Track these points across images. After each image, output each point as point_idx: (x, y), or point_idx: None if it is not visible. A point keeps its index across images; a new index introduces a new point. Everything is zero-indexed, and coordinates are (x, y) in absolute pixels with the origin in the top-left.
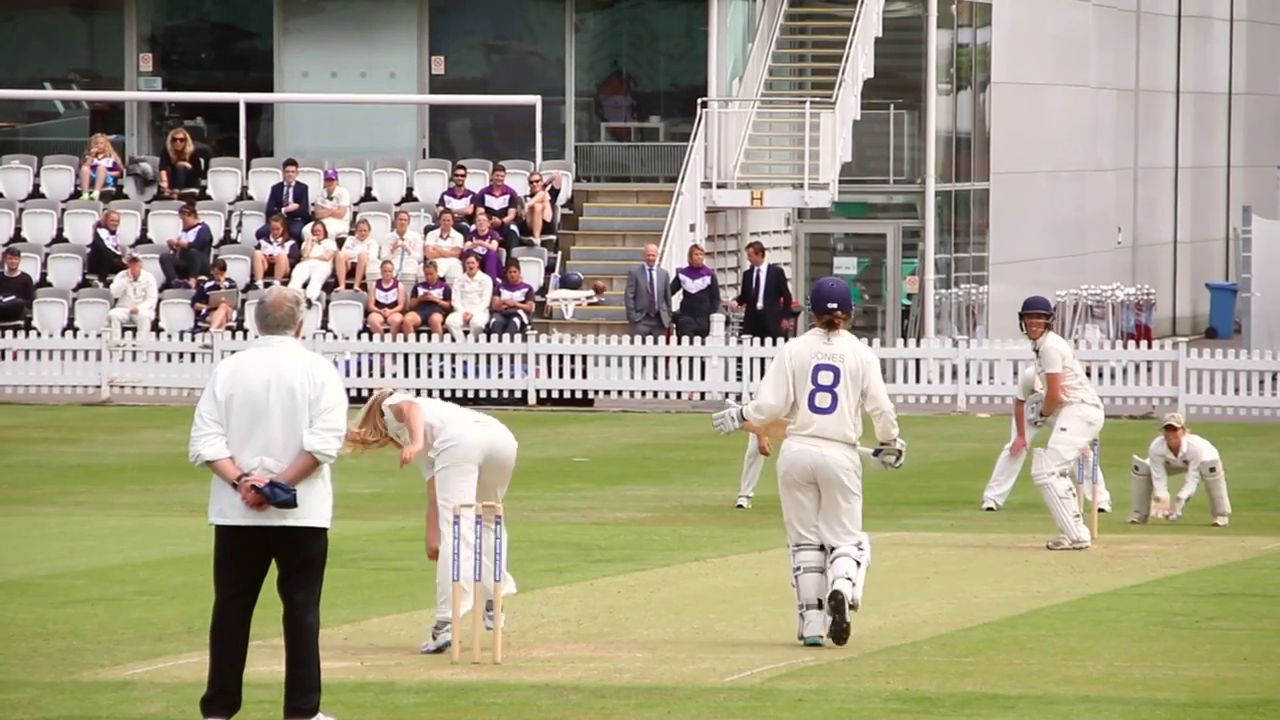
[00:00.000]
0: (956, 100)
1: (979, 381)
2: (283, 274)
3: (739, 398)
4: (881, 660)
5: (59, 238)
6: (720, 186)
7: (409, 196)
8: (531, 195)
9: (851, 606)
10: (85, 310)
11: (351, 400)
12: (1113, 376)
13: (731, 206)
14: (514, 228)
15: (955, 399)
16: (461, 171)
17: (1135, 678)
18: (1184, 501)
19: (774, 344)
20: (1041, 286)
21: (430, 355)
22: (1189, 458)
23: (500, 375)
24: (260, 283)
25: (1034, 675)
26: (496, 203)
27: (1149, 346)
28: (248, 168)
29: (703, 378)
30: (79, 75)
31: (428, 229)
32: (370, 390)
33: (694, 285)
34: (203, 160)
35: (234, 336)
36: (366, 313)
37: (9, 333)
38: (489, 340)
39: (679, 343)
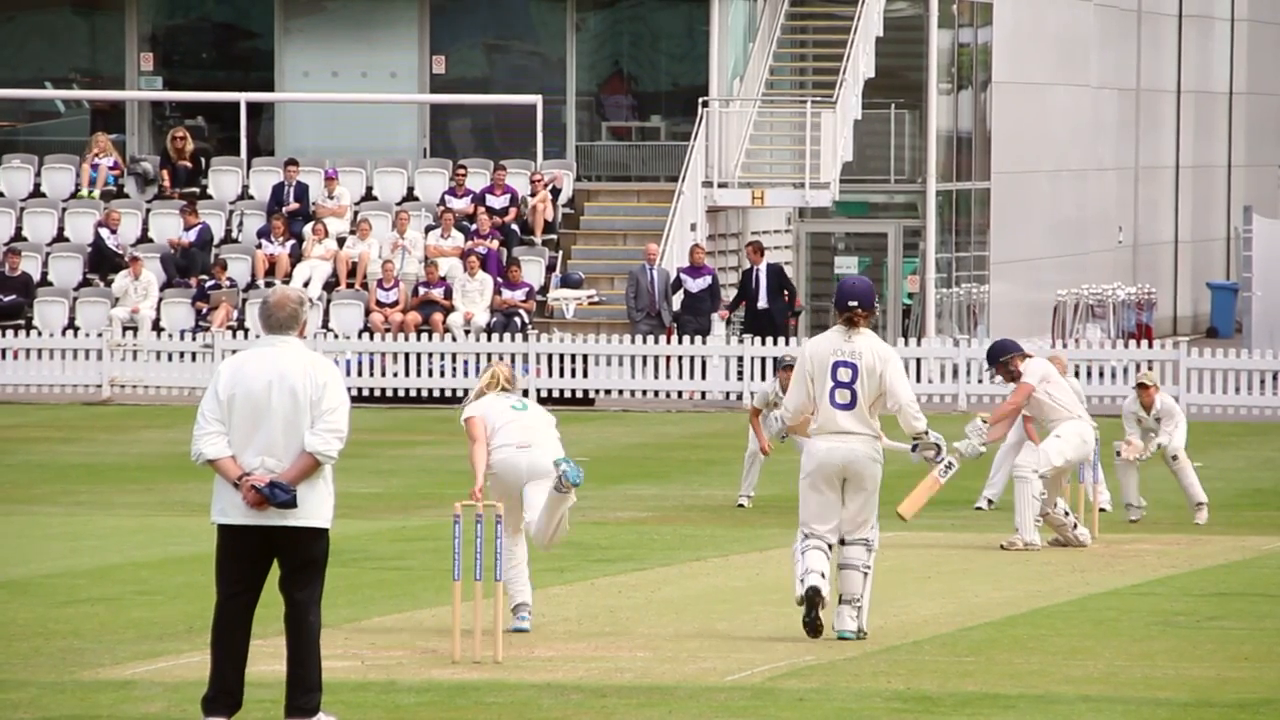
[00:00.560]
0: (957, 100)
1: (980, 381)
2: (284, 273)
3: (739, 397)
4: (883, 659)
5: (60, 237)
6: (721, 186)
7: (410, 196)
8: (532, 195)
9: (860, 636)
10: (86, 310)
11: (354, 401)
12: (1114, 376)
13: (732, 206)
14: (515, 227)
15: (956, 398)
16: (462, 171)
17: (1136, 677)
18: (1155, 445)
19: (775, 344)
20: (1042, 286)
21: (431, 355)
22: (1161, 415)
23: None
24: (261, 282)
25: (1035, 675)
26: (497, 202)
27: (1150, 346)
28: (248, 167)
29: (704, 377)
30: (80, 74)
31: (428, 228)
32: (372, 390)
33: (695, 285)
34: (203, 159)
35: (235, 336)
36: (367, 312)
37: (10, 332)
38: (490, 340)
39: (680, 342)
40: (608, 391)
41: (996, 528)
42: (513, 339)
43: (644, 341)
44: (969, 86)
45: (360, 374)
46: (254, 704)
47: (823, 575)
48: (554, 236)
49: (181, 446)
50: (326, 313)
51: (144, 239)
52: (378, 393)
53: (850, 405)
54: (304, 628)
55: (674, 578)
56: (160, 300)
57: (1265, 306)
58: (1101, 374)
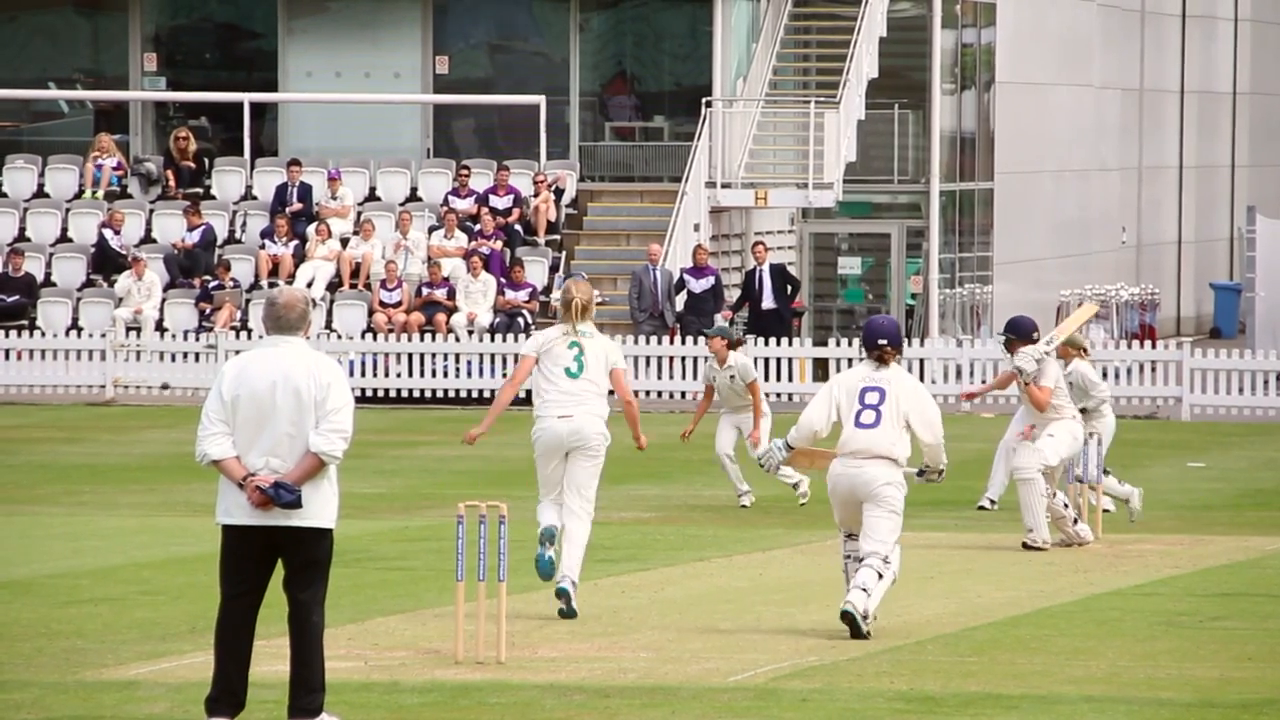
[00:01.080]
0: (961, 100)
1: (983, 381)
2: (287, 274)
3: None
4: (885, 660)
5: (63, 237)
6: (725, 186)
7: (413, 196)
8: (536, 195)
9: (864, 617)
10: (89, 310)
11: (357, 402)
12: (1117, 376)
13: (736, 206)
14: (518, 228)
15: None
16: (465, 171)
17: (1139, 677)
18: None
19: (778, 344)
20: (1046, 286)
21: (434, 355)
22: (1075, 380)
23: (504, 375)
24: (265, 283)
25: (1038, 675)
26: (501, 203)
27: (1153, 346)
28: (252, 167)
29: None
30: (83, 75)
31: (432, 229)
32: (375, 391)
33: (698, 285)
34: (207, 160)
35: (238, 336)
36: (371, 312)
37: (13, 332)
38: (493, 340)
39: (683, 343)
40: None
41: (999, 528)
42: (516, 339)
43: (647, 342)
44: (972, 87)
45: (363, 374)
46: (257, 704)
47: (865, 591)
48: (557, 237)
49: (184, 447)
50: (330, 313)
51: (147, 239)
52: (381, 393)
53: (875, 424)
54: (307, 628)
55: (677, 578)
56: (163, 301)
57: (1269, 307)
58: (1105, 374)
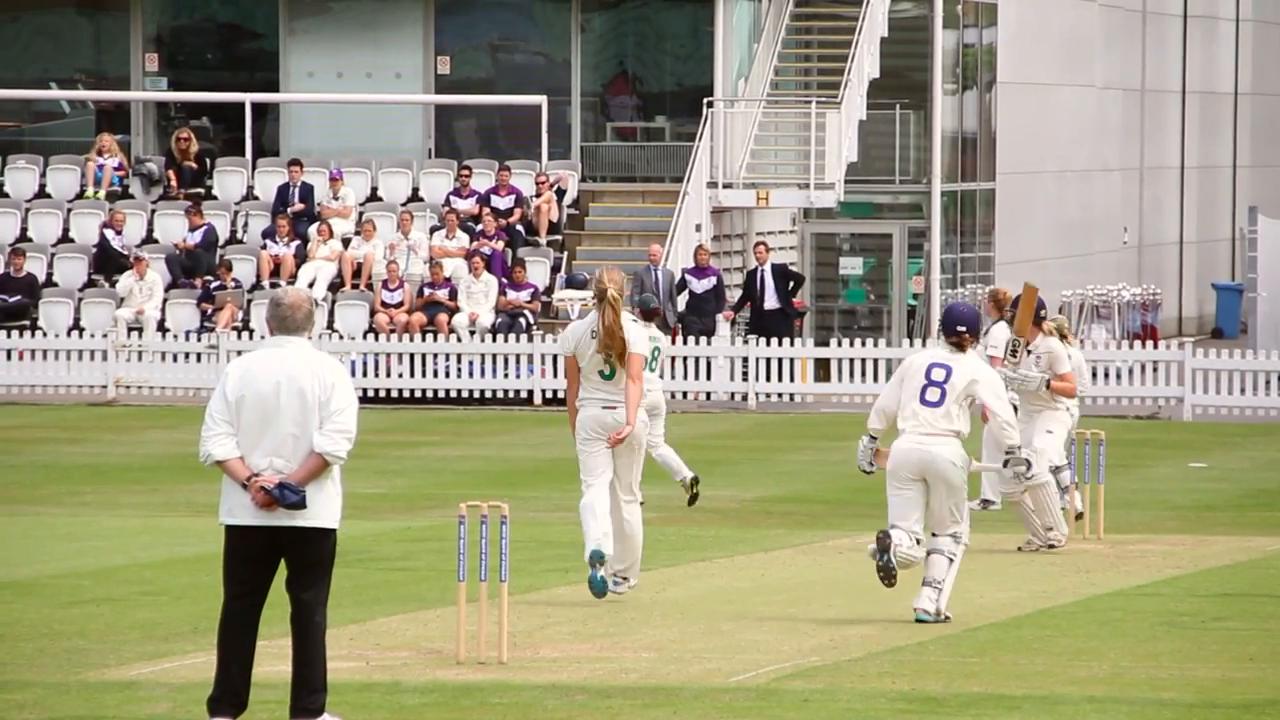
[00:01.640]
0: (962, 100)
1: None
2: (289, 274)
3: (744, 398)
4: (887, 660)
5: (65, 238)
6: (726, 186)
7: (415, 197)
8: (537, 195)
9: (938, 616)
10: (91, 310)
11: (359, 402)
12: (1119, 377)
13: (737, 206)
14: (520, 228)
15: None
16: (467, 172)
17: (1141, 678)
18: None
19: (780, 344)
20: (1047, 286)
21: (436, 355)
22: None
23: (506, 375)
24: (266, 283)
25: (1040, 675)
26: (502, 203)
27: (1155, 347)
28: (253, 168)
29: (708, 378)
30: (84, 75)
31: (433, 229)
32: (376, 391)
33: (700, 285)
34: (208, 160)
35: (240, 337)
36: (372, 313)
37: (15, 333)
38: (495, 340)
39: (684, 343)
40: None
41: (1000, 528)
42: (518, 340)
43: None
44: (974, 87)
45: (365, 375)
46: (259, 705)
47: (902, 537)
48: (559, 237)
49: (186, 447)
50: (331, 314)
51: (149, 240)
52: (382, 393)
53: (938, 403)
54: (310, 628)
55: (678, 578)
56: (165, 301)
57: (1270, 307)
58: (1107, 375)
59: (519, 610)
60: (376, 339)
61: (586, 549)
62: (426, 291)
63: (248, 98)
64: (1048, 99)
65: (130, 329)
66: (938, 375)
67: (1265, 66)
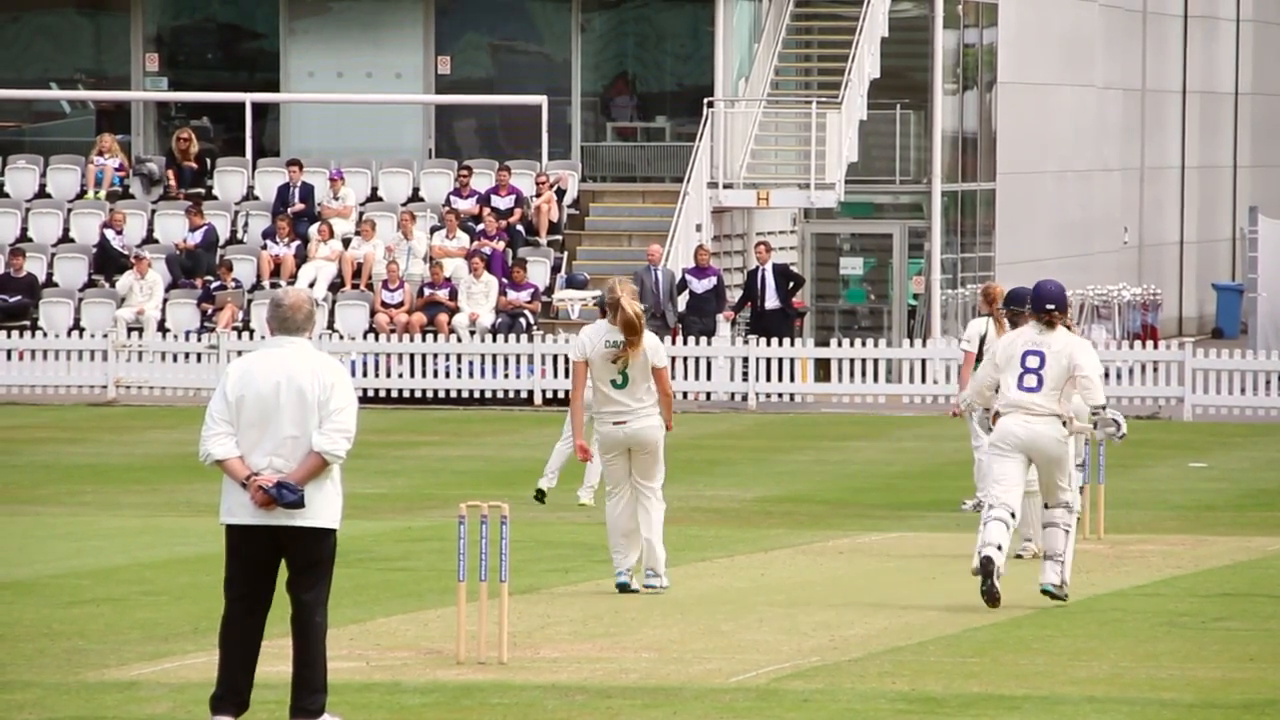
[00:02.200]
0: (963, 100)
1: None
2: (289, 274)
3: (744, 399)
4: (887, 660)
5: (65, 238)
6: (726, 187)
7: (415, 197)
8: (538, 195)
9: (1061, 586)
10: (91, 310)
11: (359, 402)
12: (1119, 377)
13: (737, 207)
14: (520, 228)
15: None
16: (467, 172)
17: (1141, 678)
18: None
19: (780, 344)
20: None
21: (436, 355)
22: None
23: (506, 376)
24: (266, 283)
25: (1040, 675)
26: (502, 203)
27: (1155, 347)
28: (254, 168)
29: (709, 378)
30: (85, 75)
31: (433, 229)
32: (377, 391)
33: (700, 285)
34: (209, 160)
35: (240, 337)
36: (372, 313)
37: (15, 333)
38: (495, 340)
39: (685, 343)
40: None
41: None
42: (518, 340)
43: None
44: (974, 87)
45: (365, 375)
46: (260, 705)
47: (999, 548)
48: (559, 237)
49: (186, 447)
50: (332, 314)
51: (149, 240)
52: (383, 393)
53: (1036, 389)
54: (310, 628)
55: (679, 578)
56: (165, 301)
57: (1270, 307)
58: (1107, 375)
59: (519, 610)
60: (377, 339)
61: (616, 572)
62: (427, 292)
63: (248, 98)
64: (1048, 99)
65: (130, 329)
66: (1032, 363)
67: (1266, 66)
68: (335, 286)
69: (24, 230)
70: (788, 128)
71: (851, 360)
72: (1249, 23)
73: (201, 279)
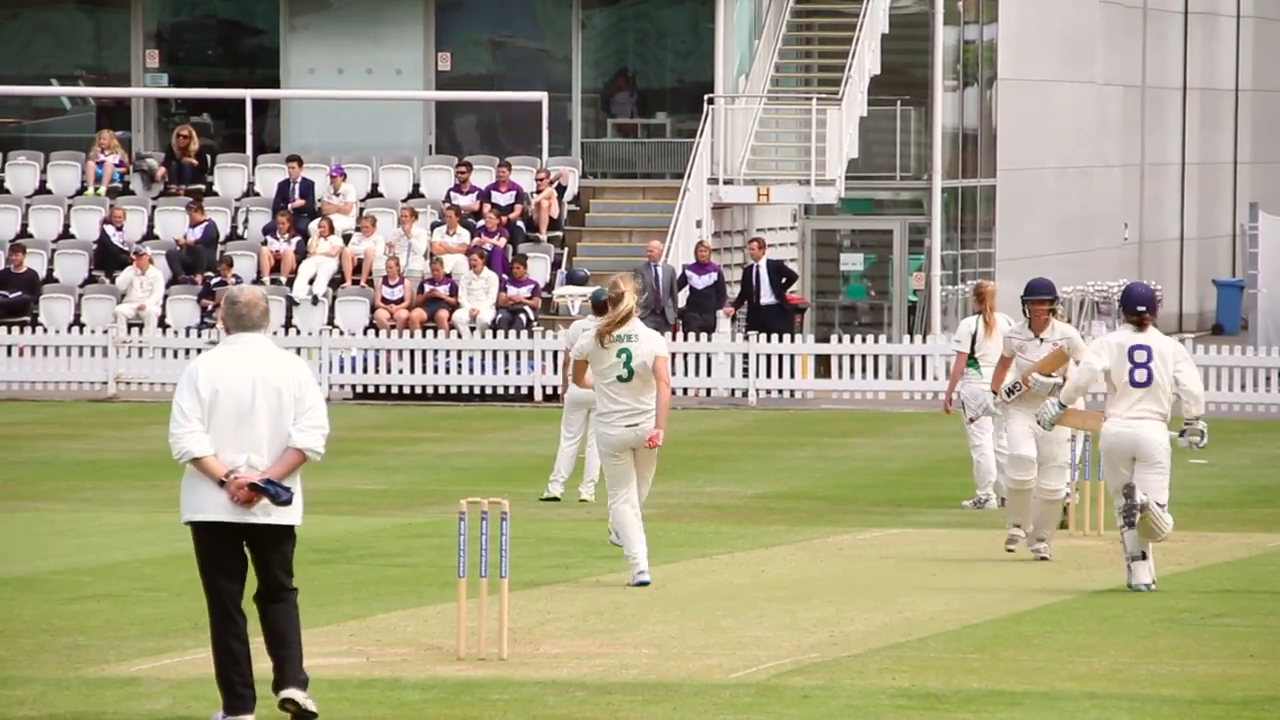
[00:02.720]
0: (963, 97)
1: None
2: (289, 270)
3: (745, 395)
4: (887, 656)
5: (65, 234)
6: (727, 183)
7: (415, 193)
8: (538, 191)
9: (1144, 508)
10: (92, 306)
11: (359, 398)
12: None
13: (738, 203)
14: (520, 224)
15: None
16: (467, 168)
17: (1141, 674)
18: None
19: (781, 340)
20: None
21: (436, 352)
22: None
23: (506, 372)
24: (267, 279)
25: (1040, 672)
26: (503, 199)
27: None
28: (254, 164)
29: (709, 374)
30: (85, 71)
31: (434, 225)
32: (377, 387)
33: (700, 282)
34: (209, 157)
35: None
36: (373, 309)
37: (15, 329)
38: (495, 337)
39: (685, 339)
40: None
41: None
42: (518, 336)
43: None
44: (974, 83)
45: (365, 371)
46: (265, 701)
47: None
48: (559, 233)
49: None
50: (332, 310)
51: (149, 236)
52: (383, 389)
53: (1148, 383)
54: (289, 609)
55: (679, 574)
56: (166, 297)
57: (1271, 304)
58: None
59: (519, 606)
60: (377, 335)
61: (632, 572)
62: (427, 288)
63: (248, 94)
64: (1048, 95)
65: (131, 325)
66: (1140, 356)
67: (1266, 62)
68: (336, 282)
69: (24, 226)
70: (788, 124)
71: (852, 356)
72: (1249, 19)
73: (202, 275)
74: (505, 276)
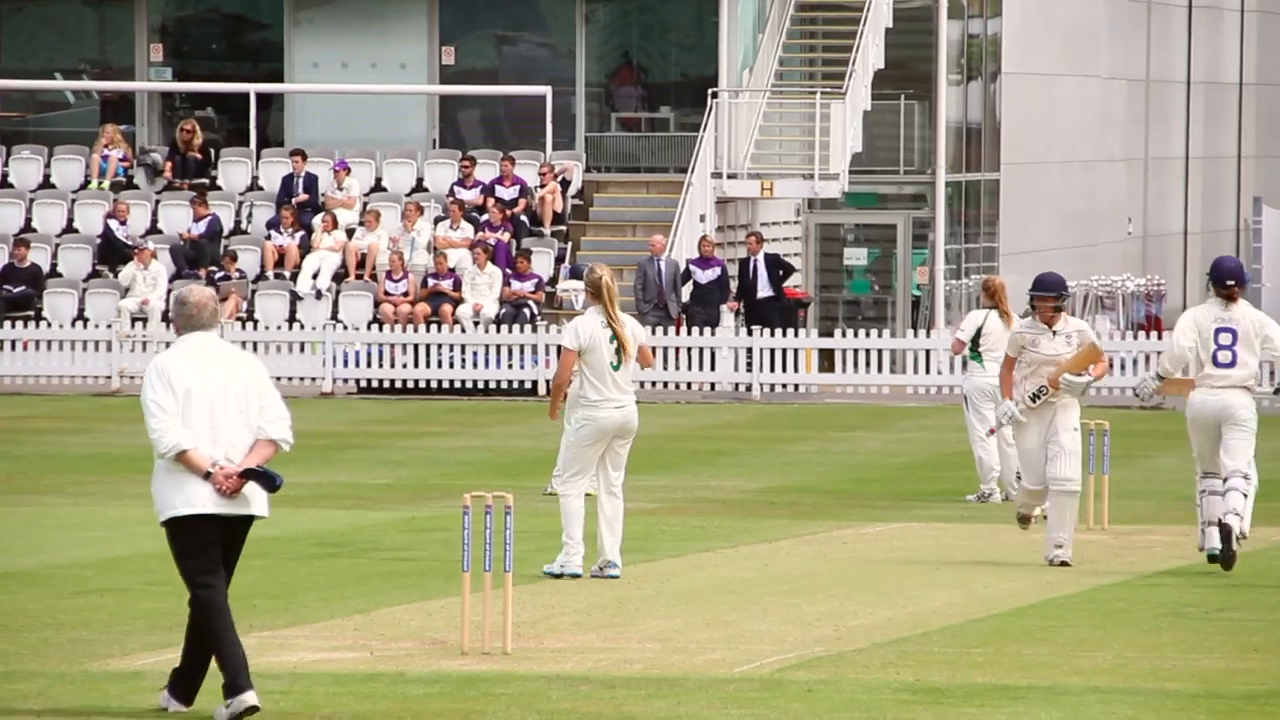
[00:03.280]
0: (967, 91)
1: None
2: (293, 264)
3: (749, 389)
4: (891, 651)
5: (69, 228)
6: (730, 177)
7: (419, 187)
8: (542, 186)
9: (1240, 537)
10: (95, 301)
11: (363, 392)
12: (1123, 367)
13: (741, 197)
14: (524, 218)
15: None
16: (470, 162)
17: (1145, 668)
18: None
19: (784, 335)
20: None
21: (440, 346)
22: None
23: (510, 366)
24: (271, 273)
25: (1044, 666)
26: (506, 193)
27: (1159, 337)
28: (258, 158)
29: (713, 368)
30: (89, 65)
31: (437, 220)
32: (381, 381)
33: (704, 276)
34: (213, 151)
35: (244, 327)
36: (376, 303)
37: (19, 323)
38: (499, 331)
39: (688, 333)
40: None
41: (1004, 519)
42: (522, 330)
43: (652, 333)
44: (978, 77)
45: (369, 365)
46: (266, 696)
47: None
48: (563, 228)
49: None
50: (336, 304)
51: (153, 230)
52: (387, 384)
53: (1231, 364)
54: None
55: (683, 569)
56: (169, 291)
57: (1275, 298)
58: (1111, 365)
59: (523, 601)
60: (381, 329)
61: (568, 561)
62: (431, 282)
63: (252, 88)
64: (1052, 89)
65: (134, 319)
66: (1225, 339)
67: (1270, 56)
68: (339, 277)
69: (28, 220)
70: (792, 118)
71: (855, 351)
72: (1254, 13)
73: (205, 269)
74: (509, 271)
